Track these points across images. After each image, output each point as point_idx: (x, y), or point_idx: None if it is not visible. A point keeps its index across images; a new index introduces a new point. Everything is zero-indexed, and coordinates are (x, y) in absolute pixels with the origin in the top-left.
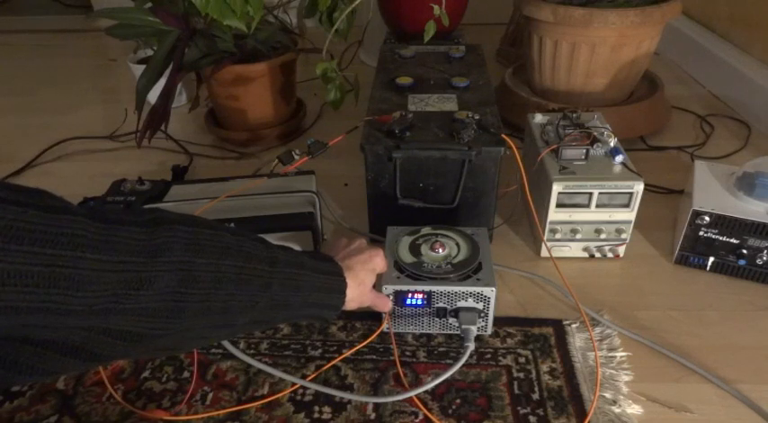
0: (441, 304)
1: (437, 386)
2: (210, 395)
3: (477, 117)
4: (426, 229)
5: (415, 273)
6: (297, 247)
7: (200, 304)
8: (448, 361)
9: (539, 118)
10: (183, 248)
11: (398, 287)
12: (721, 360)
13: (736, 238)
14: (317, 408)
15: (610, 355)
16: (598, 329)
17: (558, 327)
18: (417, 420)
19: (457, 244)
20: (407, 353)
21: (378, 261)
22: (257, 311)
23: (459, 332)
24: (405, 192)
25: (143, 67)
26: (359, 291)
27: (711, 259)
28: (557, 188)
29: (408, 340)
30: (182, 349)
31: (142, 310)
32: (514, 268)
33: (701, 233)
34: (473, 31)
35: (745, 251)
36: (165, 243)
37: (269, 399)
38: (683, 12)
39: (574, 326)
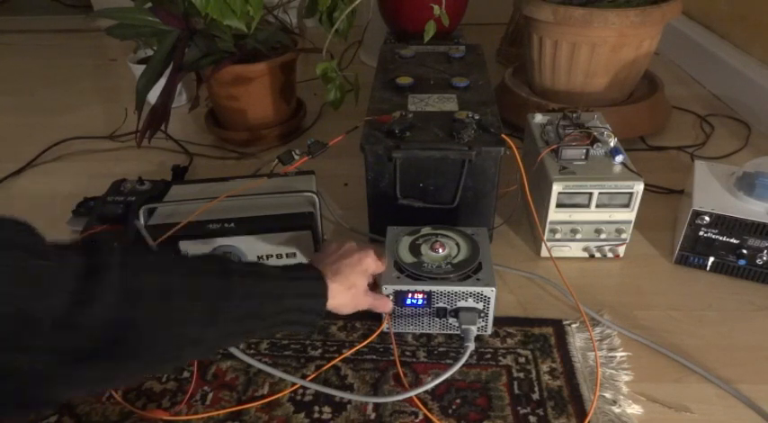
0: (441, 304)
1: (437, 386)
2: (210, 395)
3: (477, 117)
4: (426, 229)
5: (415, 273)
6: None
7: (149, 319)
8: (448, 361)
9: (539, 118)
10: (119, 272)
11: (398, 287)
12: (721, 360)
13: (736, 238)
14: (317, 408)
15: (610, 355)
16: (598, 329)
17: (558, 327)
18: (417, 420)
19: (457, 244)
20: (407, 353)
21: (368, 262)
22: (224, 324)
23: (459, 332)
24: (405, 192)
25: (143, 67)
26: (350, 294)
27: (711, 259)
28: (557, 188)
29: (408, 340)
30: (160, 370)
31: (89, 328)
32: (514, 268)
33: (701, 233)
34: (473, 31)
35: (745, 251)
36: (102, 265)
37: (269, 399)
38: (683, 12)
39: (574, 326)
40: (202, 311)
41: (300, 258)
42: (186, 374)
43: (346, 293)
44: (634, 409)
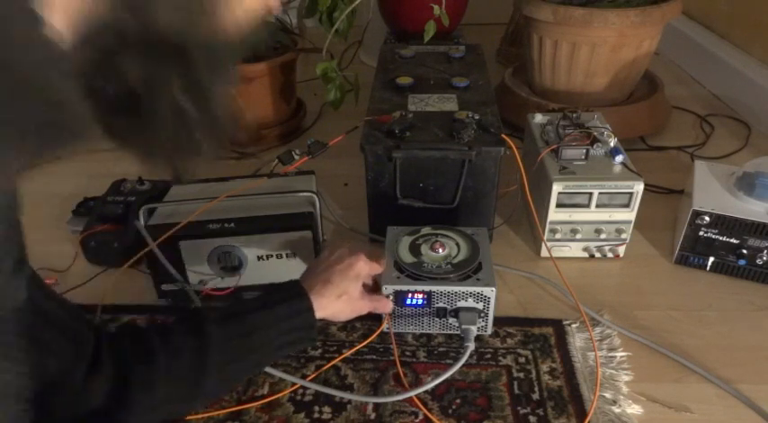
0: (441, 304)
1: (437, 386)
2: None
3: (477, 117)
4: (426, 229)
5: (415, 273)
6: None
7: (141, 387)
8: (448, 361)
9: (539, 118)
10: (109, 350)
11: (398, 287)
12: (721, 360)
13: (736, 238)
14: (316, 408)
15: (610, 355)
16: (598, 329)
17: (558, 327)
18: (417, 420)
19: (457, 244)
20: (407, 353)
21: (359, 266)
22: (219, 372)
23: (459, 332)
24: (405, 192)
25: None
26: (342, 302)
27: (711, 259)
28: (557, 188)
29: (408, 340)
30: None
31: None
32: (514, 268)
33: (701, 233)
34: (473, 31)
35: (745, 251)
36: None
37: (269, 399)
38: (683, 12)
39: (574, 326)
40: (188, 369)
41: (299, 260)
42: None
43: (337, 302)
44: (634, 409)
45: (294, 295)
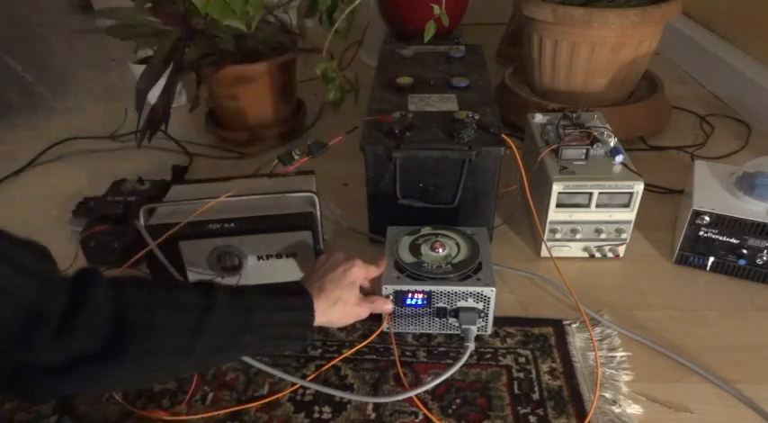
0: (441, 304)
1: (437, 386)
2: (210, 395)
3: (477, 117)
4: (426, 229)
5: (415, 273)
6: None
7: (137, 333)
8: (448, 361)
9: (539, 118)
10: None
11: (398, 287)
12: (721, 360)
13: (736, 238)
14: (316, 408)
15: (610, 355)
16: (598, 329)
17: (558, 327)
18: (417, 420)
19: (457, 244)
20: (407, 353)
21: (354, 272)
22: (213, 337)
23: (459, 332)
24: (405, 192)
25: (143, 67)
26: (338, 308)
27: (711, 259)
28: (557, 188)
29: (408, 340)
30: (137, 385)
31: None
32: (514, 268)
33: (701, 233)
34: (473, 31)
35: (745, 251)
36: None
37: (269, 399)
38: (683, 12)
39: (574, 326)
40: (187, 325)
41: (299, 260)
42: (186, 374)
43: (333, 309)
44: (634, 409)
45: (298, 292)
